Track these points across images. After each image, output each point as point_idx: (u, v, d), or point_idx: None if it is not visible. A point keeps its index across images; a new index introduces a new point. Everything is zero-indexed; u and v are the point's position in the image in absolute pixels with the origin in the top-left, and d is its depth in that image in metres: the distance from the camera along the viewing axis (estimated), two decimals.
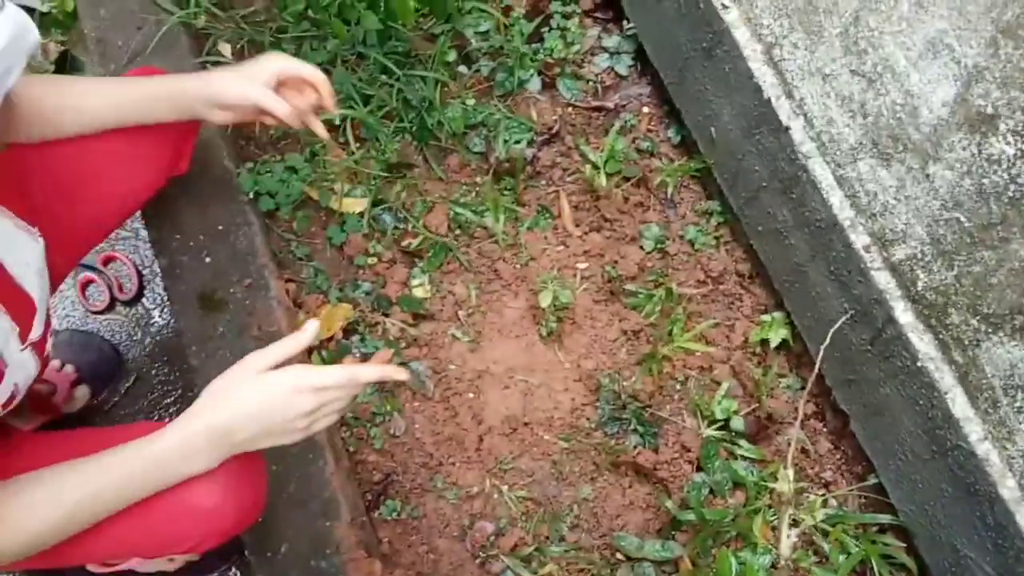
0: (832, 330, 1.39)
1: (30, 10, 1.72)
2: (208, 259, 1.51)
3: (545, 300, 1.51)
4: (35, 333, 1.04)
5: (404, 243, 1.59)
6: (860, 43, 1.22)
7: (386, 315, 1.56)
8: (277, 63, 1.19)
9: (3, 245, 0.98)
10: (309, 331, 1.00)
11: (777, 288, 1.54)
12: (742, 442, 1.49)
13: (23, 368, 1.03)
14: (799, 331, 1.52)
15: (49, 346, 1.11)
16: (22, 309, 1.01)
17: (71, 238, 1.18)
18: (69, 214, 1.16)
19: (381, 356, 1.10)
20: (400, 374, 1.03)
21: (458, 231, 1.60)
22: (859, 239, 1.31)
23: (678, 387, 1.54)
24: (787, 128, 1.35)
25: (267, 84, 1.17)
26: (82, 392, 1.56)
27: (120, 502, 0.98)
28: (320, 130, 1.24)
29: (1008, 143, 1.07)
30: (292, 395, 0.97)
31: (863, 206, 1.30)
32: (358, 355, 1.53)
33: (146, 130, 1.19)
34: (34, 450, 1.07)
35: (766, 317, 1.56)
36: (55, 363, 1.55)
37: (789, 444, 1.47)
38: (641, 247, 1.60)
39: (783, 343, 1.55)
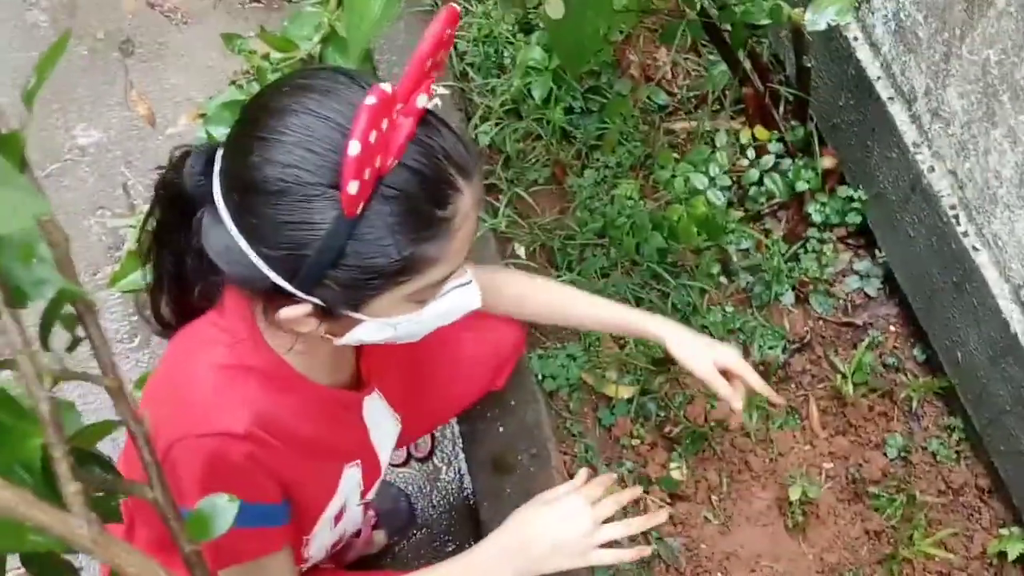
0: None
1: None
2: (501, 428, 1.79)
3: (794, 494, 1.68)
4: (370, 495, 1.31)
5: (665, 429, 1.81)
6: None
7: (646, 492, 1.77)
8: (728, 359, 1.38)
9: (376, 420, 1.24)
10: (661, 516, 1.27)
11: (1016, 503, 1.65)
12: None
13: (354, 521, 1.31)
14: None
15: (372, 510, 1.38)
16: (371, 471, 1.26)
17: (414, 427, 1.47)
18: (420, 408, 1.43)
19: (608, 478, 1.28)
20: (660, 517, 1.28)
21: (714, 423, 1.82)
22: None
23: None
24: None
25: (715, 366, 1.38)
26: (380, 537, 1.83)
27: None
28: (774, 397, 1.47)
29: None
30: (573, 508, 1.18)
31: None
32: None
33: (484, 344, 1.50)
34: None
35: (1004, 531, 1.67)
36: None
37: None
38: (884, 454, 1.75)
39: (1020, 556, 1.64)
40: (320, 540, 1.24)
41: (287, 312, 0.91)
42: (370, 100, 0.79)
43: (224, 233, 0.89)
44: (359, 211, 0.84)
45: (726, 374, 1.38)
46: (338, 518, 1.24)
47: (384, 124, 0.81)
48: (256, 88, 2.32)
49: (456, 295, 1.00)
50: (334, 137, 0.84)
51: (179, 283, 1.04)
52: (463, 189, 0.90)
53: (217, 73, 2.49)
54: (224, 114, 2.36)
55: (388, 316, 0.95)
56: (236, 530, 1.00)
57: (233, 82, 2.43)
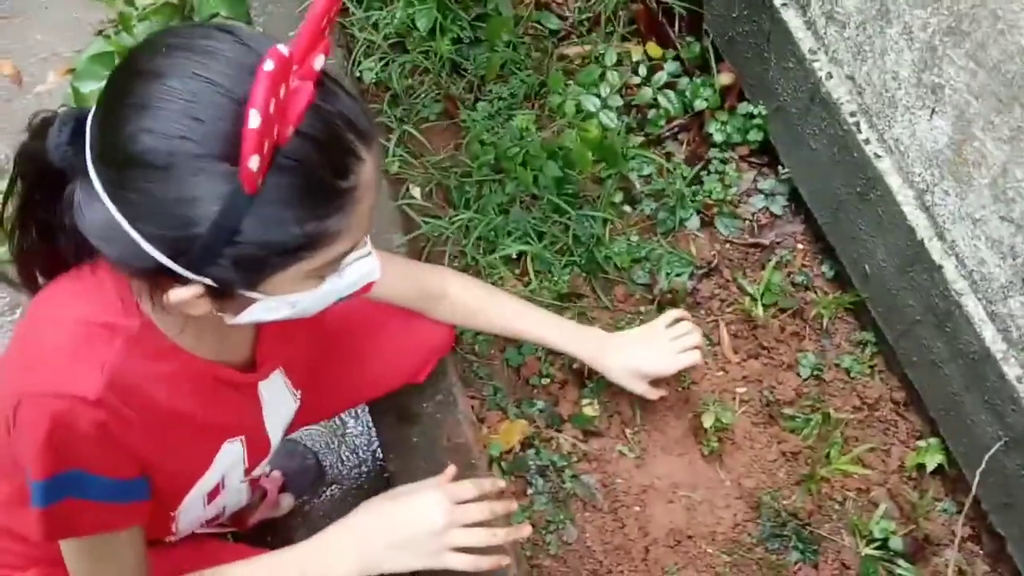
0: (987, 456, 1.47)
1: None
2: None
3: (708, 421, 1.64)
4: (257, 471, 1.24)
5: (574, 365, 1.75)
6: (1008, 192, 1.34)
7: (559, 431, 1.71)
8: (664, 371, 1.56)
9: (271, 397, 1.17)
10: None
11: (932, 415, 1.62)
12: (900, 561, 1.56)
13: (236, 496, 1.24)
14: (954, 456, 1.59)
15: (262, 479, 1.30)
16: (258, 449, 1.19)
17: (319, 407, 1.39)
18: (328, 388, 1.36)
19: (489, 483, 1.26)
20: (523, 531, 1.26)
21: None
22: (1012, 370, 1.41)
23: (836, 507, 1.63)
24: (940, 267, 1.47)
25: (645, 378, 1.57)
26: (287, 500, 1.75)
27: None
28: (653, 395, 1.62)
29: None
30: (426, 504, 1.15)
31: (1015, 340, 1.40)
32: (533, 467, 1.67)
33: (412, 337, 1.43)
34: (216, 554, 1.22)
35: (921, 443, 1.64)
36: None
37: (947, 565, 1.53)
38: (798, 374, 1.72)
39: (939, 468, 1.62)
40: (191, 516, 1.15)
41: (176, 294, 0.83)
42: (268, 65, 0.71)
43: (101, 209, 0.80)
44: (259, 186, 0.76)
45: None
46: (215, 492, 1.16)
47: (282, 90, 0.74)
48: (126, 39, 2.18)
49: (356, 268, 0.93)
50: (222, 103, 0.76)
51: (50, 259, 0.95)
52: (365, 157, 0.83)
53: (84, 25, 2.33)
54: (94, 67, 2.21)
55: (286, 293, 0.88)
56: (73, 500, 0.93)
57: (100, 31, 2.28)
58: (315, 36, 0.78)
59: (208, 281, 0.82)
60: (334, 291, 0.92)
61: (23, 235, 0.94)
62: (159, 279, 0.83)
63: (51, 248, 0.93)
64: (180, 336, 0.96)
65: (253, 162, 0.74)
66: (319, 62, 0.79)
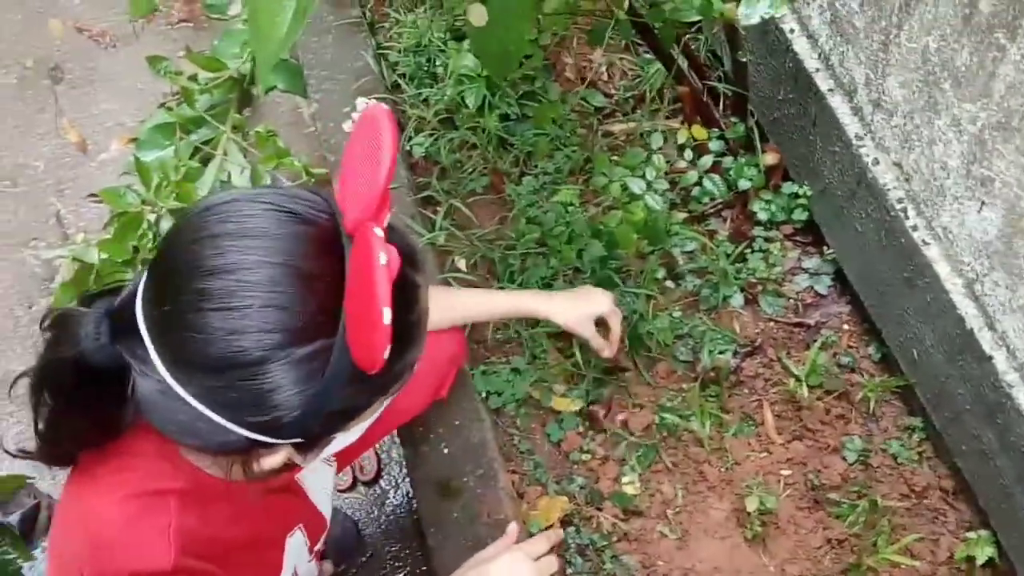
0: None
1: None
2: (446, 450, 1.71)
3: (751, 505, 1.61)
4: (319, 545, 1.26)
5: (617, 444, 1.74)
6: None
7: (599, 509, 1.70)
8: (602, 309, 1.59)
9: (310, 476, 1.18)
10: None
11: (983, 506, 1.58)
12: None
13: (309, 574, 1.25)
14: (1005, 549, 1.55)
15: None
16: (316, 527, 1.22)
17: (352, 450, 1.40)
18: None
19: (555, 535, 1.35)
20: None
21: (665, 434, 1.75)
22: None
23: None
24: (990, 358, 1.45)
25: (592, 322, 1.60)
26: (327, 567, 1.76)
27: None
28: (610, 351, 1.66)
29: None
30: (515, 563, 1.23)
31: None
32: (573, 546, 1.66)
33: (427, 360, 1.44)
34: None
35: (971, 534, 1.60)
36: None
37: None
38: (843, 458, 1.69)
39: (989, 560, 1.58)
40: None
41: (268, 461, 0.85)
42: (384, 259, 0.74)
43: (183, 408, 0.80)
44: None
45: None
46: None
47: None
48: (187, 111, 2.25)
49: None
50: (297, 285, 0.77)
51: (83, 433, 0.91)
52: (420, 283, 0.86)
53: (148, 96, 2.42)
54: (156, 137, 2.30)
55: (363, 422, 0.91)
56: None
57: (163, 104, 2.37)
58: (383, 200, 0.79)
59: (298, 440, 0.84)
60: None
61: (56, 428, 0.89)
62: (250, 452, 0.84)
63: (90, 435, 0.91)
64: (229, 473, 0.94)
65: (387, 354, 0.75)
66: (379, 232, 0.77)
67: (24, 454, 0.91)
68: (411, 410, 1.56)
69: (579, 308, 1.57)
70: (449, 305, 1.51)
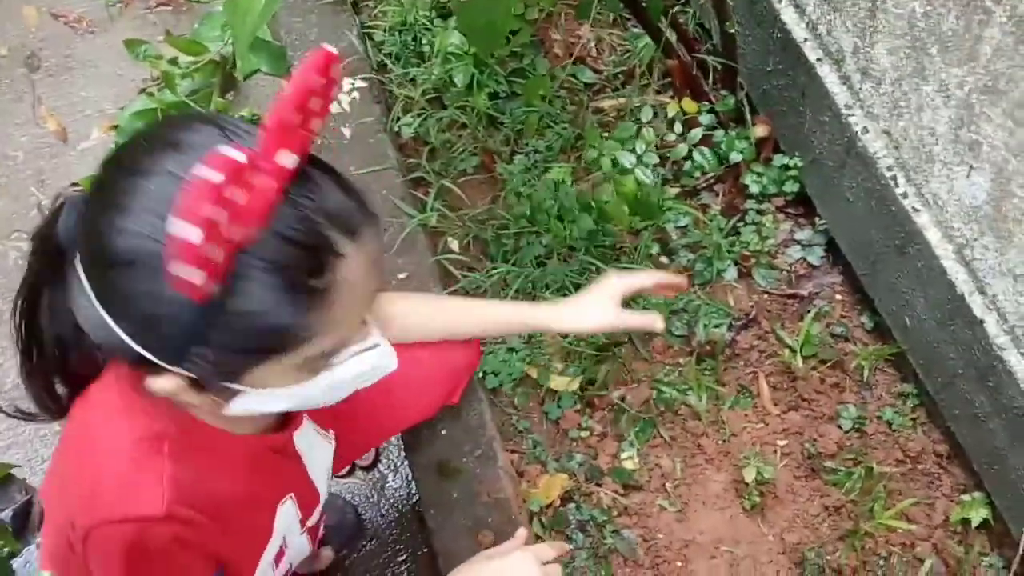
0: None
1: None
2: (444, 431, 1.71)
3: (749, 475, 1.63)
4: (312, 520, 1.25)
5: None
6: None
7: (599, 485, 1.70)
8: (619, 287, 1.39)
9: (308, 447, 1.17)
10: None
11: (976, 469, 1.60)
12: None
13: (300, 550, 1.25)
14: (1000, 511, 1.57)
15: (320, 529, 1.32)
16: (309, 500, 1.20)
17: (357, 443, 1.41)
18: (363, 423, 1.38)
19: (561, 547, 1.30)
20: None
21: (663, 408, 1.75)
22: None
23: (881, 563, 1.61)
24: (981, 322, 1.46)
25: (618, 305, 1.39)
26: (327, 553, 1.76)
27: None
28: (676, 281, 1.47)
29: None
30: (521, 564, 1.19)
31: None
32: (574, 522, 1.67)
33: (439, 361, 1.43)
34: None
35: (966, 497, 1.62)
36: None
37: None
38: (839, 426, 1.70)
39: (984, 522, 1.60)
40: None
41: (158, 384, 0.83)
42: (208, 173, 0.69)
43: (88, 304, 0.81)
44: (216, 292, 0.74)
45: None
46: (281, 554, 1.17)
47: (236, 194, 0.71)
48: (169, 97, 2.23)
49: (361, 360, 0.91)
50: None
51: (59, 351, 0.94)
52: (347, 252, 0.79)
53: (128, 82, 2.38)
54: (137, 124, 2.26)
55: (275, 386, 0.87)
56: None
57: (143, 90, 2.33)
58: (281, 134, 0.75)
59: (185, 372, 0.82)
60: (340, 383, 0.91)
61: (30, 326, 0.92)
62: (141, 368, 0.82)
63: (60, 337, 0.92)
64: (218, 420, 0.95)
65: (197, 277, 0.72)
66: (287, 159, 0.75)
67: (21, 414, 0.94)
68: (421, 413, 1.54)
69: (593, 304, 1.39)
70: (428, 314, 1.42)
